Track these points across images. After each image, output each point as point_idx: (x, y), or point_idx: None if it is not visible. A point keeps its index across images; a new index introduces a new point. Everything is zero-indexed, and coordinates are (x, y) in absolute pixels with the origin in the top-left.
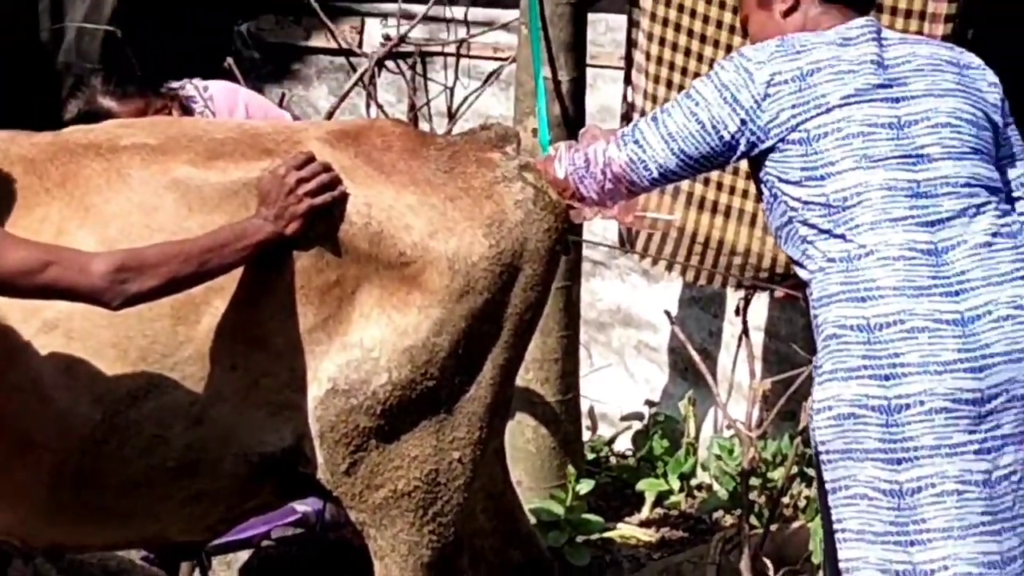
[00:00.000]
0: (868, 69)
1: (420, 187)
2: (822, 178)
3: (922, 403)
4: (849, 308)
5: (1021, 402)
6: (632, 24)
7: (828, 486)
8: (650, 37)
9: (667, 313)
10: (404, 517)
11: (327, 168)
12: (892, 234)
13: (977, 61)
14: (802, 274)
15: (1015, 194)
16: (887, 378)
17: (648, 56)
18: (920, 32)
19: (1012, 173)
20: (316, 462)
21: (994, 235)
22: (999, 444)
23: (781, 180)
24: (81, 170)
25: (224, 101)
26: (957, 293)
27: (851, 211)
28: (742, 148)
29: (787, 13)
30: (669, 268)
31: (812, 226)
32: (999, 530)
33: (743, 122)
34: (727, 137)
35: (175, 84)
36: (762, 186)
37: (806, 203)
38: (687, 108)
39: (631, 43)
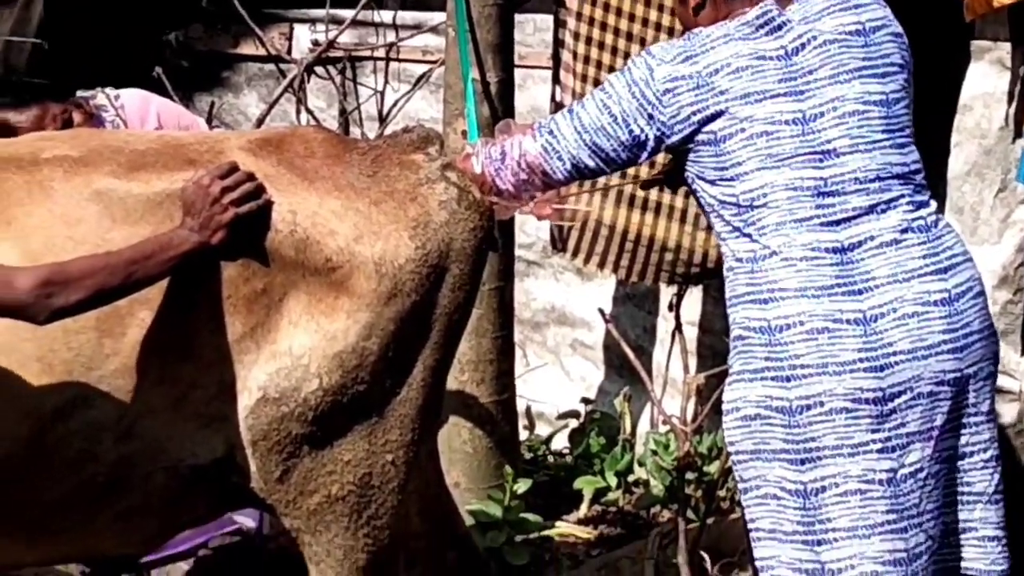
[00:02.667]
0: (769, 64)
1: (344, 192)
2: (732, 179)
3: (822, 404)
4: (753, 309)
5: (928, 399)
6: (559, 24)
7: (740, 486)
8: (577, 36)
9: (601, 311)
10: (339, 522)
11: (251, 177)
12: (796, 235)
13: (880, 15)
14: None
15: None
16: (788, 379)
17: (575, 55)
18: None
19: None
20: (248, 472)
21: (903, 231)
22: (904, 442)
23: (699, 178)
24: (2, 184)
25: (136, 109)
26: (860, 292)
27: (758, 211)
28: (651, 144)
29: (697, 8)
30: (601, 266)
31: (726, 222)
32: (905, 528)
33: (650, 117)
34: (636, 131)
35: (86, 93)
36: (688, 181)
37: (721, 202)
38: (600, 101)
39: (558, 43)
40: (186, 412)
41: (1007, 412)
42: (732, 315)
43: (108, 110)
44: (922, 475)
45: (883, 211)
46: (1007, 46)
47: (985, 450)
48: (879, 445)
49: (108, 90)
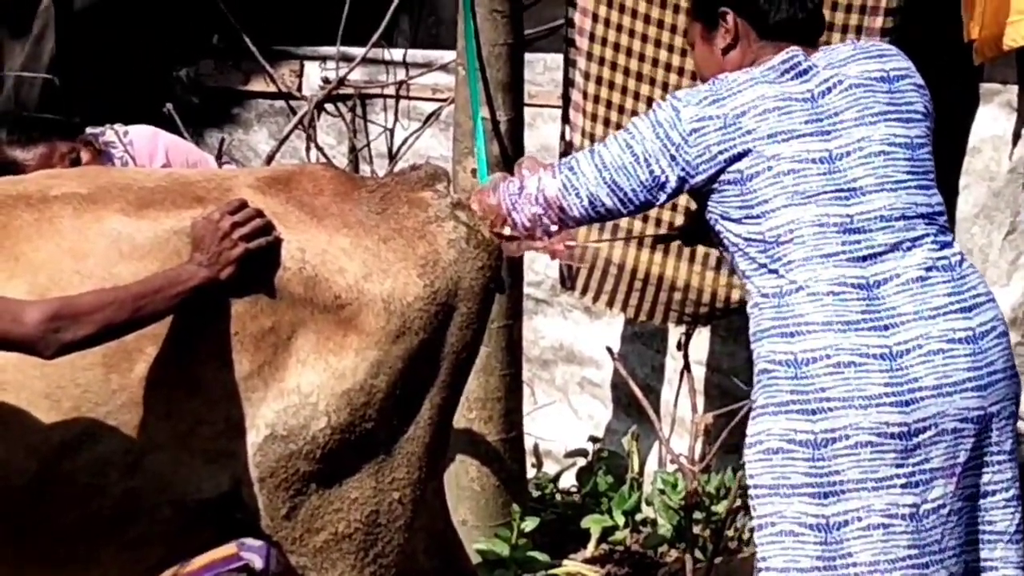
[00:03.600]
0: (796, 106)
1: (353, 230)
2: (759, 216)
3: (847, 437)
4: (779, 343)
5: (951, 436)
6: (569, 63)
7: (756, 522)
8: (587, 76)
9: (609, 349)
10: (345, 559)
11: (260, 213)
12: (823, 270)
13: (904, 65)
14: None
15: None
16: (814, 412)
17: (585, 95)
18: (860, 26)
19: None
20: (255, 508)
21: (928, 269)
22: (928, 478)
23: (723, 218)
24: (11, 221)
25: (144, 146)
26: (887, 327)
27: (784, 247)
28: (672, 184)
29: (726, 50)
30: (610, 304)
31: (751, 260)
32: (926, 563)
33: (673, 158)
34: (657, 172)
35: (95, 130)
36: (710, 223)
37: (747, 240)
38: (623, 141)
39: (568, 82)
40: (192, 448)
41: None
42: (757, 349)
43: (117, 147)
44: (944, 511)
45: (908, 249)
46: (1015, 89)
47: (1007, 489)
48: (903, 480)
49: (117, 126)
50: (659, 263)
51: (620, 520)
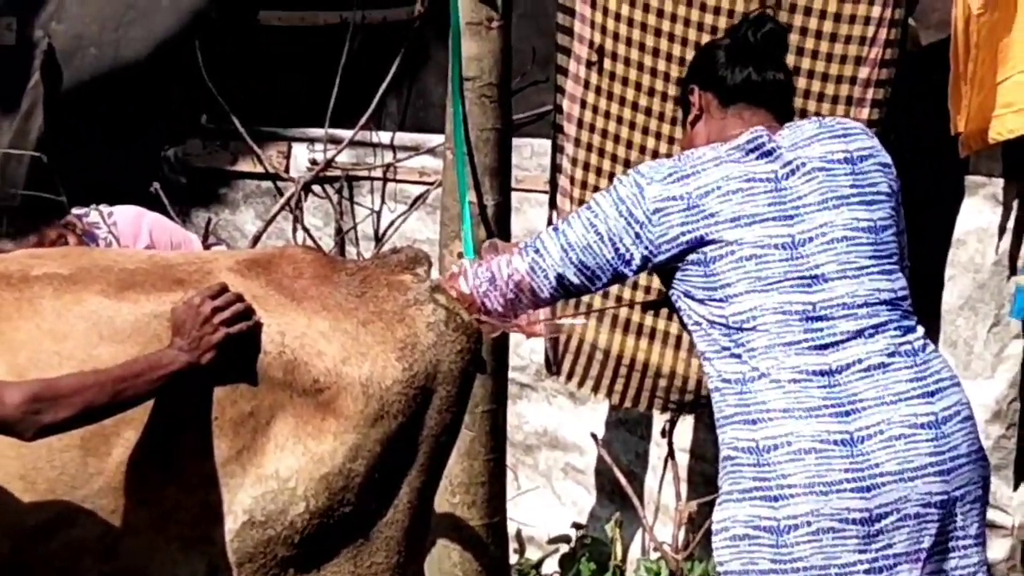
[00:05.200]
0: (759, 188)
1: (332, 313)
2: (722, 300)
3: (809, 523)
4: (742, 430)
5: (914, 520)
6: (557, 149)
7: None
8: (574, 161)
9: (593, 435)
10: None
11: (241, 298)
12: (785, 358)
13: (868, 144)
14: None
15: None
16: (776, 499)
17: (573, 180)
18: (846, 116)
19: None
20: None
21: (891, 355)
22: (891, 563)
23: (686, 296)
24: None
25: (128, 227)
26: (848, 413)
27: (747, 334)
28: (637, 262)
29: (694, 122)
30: (595, 390)
31: (714, 342)
32: None
33: (637, 236)
34: (622, 250)
35: (80, 211)
36: (672, 298)
37: (710, 322)
38: (586, 219)
39: (556, 167)
40: (169, 533)
41: (999, 547)
42: (721, 435)
43: (101, 227)
44: None
45: (871, 335)
46: (1001, 182)
47: (975, 574)
48: (866, 566)
49: (102, 207)
50: (644, 349)
51: None
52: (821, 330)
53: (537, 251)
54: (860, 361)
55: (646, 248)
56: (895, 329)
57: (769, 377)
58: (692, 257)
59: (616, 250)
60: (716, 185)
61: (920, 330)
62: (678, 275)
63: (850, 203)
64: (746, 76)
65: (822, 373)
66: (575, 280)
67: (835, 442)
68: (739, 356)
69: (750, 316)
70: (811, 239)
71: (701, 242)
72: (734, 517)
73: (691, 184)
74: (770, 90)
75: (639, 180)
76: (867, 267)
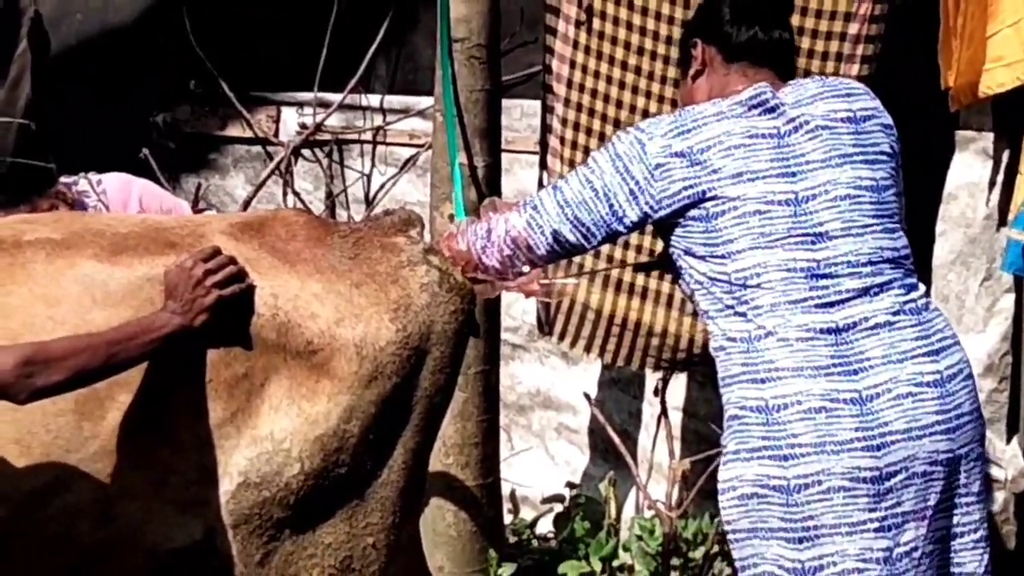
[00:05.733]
0: (762, 144)
1: (325, 275)
2: (723, 256)
3: (820, 483)
4: (749, 389)
5: (921, 479)
6: (547, 109)
7: (737, 564)
8: (564, 122)
9: (586, 395)
10: None
11: (234, 260)
12: (792, 316)
13: (871, 105)
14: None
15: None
16: (786, 459)
17: (563, 140)
18: (836, 74)
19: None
20: (228, 556)
21: (896, 313)
22: (899, 521)
23: (687, 254)
24: None
25: (117, 193)
26: (856, 372)
27: (752, 291)
28: (632, 219)
29: (695, 76)
30: (588, 350)
31: (716, 300)
32: None
33: (632, 193)
34: (616, 207)
35: (69, 179)
36: (672, 256)
37: (712, 279)
38: (583, 176)
39: (546, 128)
40: (165, 496)
41: (994, 500)
42: (727, 395)
43: (90, 196)
44: (916, 554)
45: (876, 294)
46: (991, 136)
47: (976, 530)
48: (876, 524)
49: (91, 175)
50: (636, 308)
51: (597, 566)
52: (827, 288)
53: (535, 207)
54: (867, 319)
55: (646, 204)
56: (899, 287)
57: (776, 335)
58: (693, 213)
59: (611, 207)
60: (718, 140)
61: (922, 288)
62: (678, 231)
63: (853, 162)
64: (752, 35)
65: (829, 331)
66: (571, 237)
67: (844, 401)
68: (744, 315)
69: (754, 273)
70: (814, 196)
71: (703, 197)
72: (741, 476)
73: (692, 139)
74: (775, 49)
75: (640, 136)
76: (870, 226)
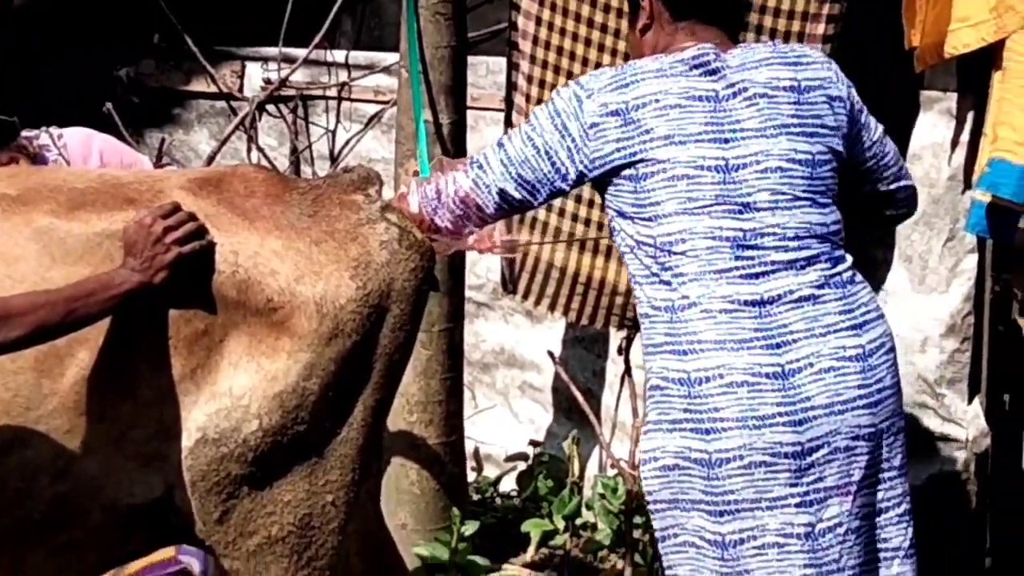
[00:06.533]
0: (698, 106)
1: (285, 232)
2: (650, 219)
3: (741, 457)
4: (672, 360)
5: (844, 454)
6: (512, 67)
7: (658, 534)
8: (530, 79)
9: (550, 353)
10: (279, 563)
11: (193, 217)
12: (716, 286)
13: (821, 75)
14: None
15: (877, 175)
16: (707, 432)
17: (528, 98)
18: (802, 32)
19: (872, 158)
20: (188, 512)
21: (820, 287)
22: (822, 496)
23: (619, 215)
24: None
25: (78, 148)
26: (779, 346)
27: (677, 258)
28: (572, 177)
29: (643, 31)
30: (552, 308)
31: (642, 265)
32: None
33: (569, 151)
34: (558, 164)
35: (29, 133)
36: (608, 217)
37: (638, 242)
38: (525, 133)
39: (511, 85)
40: (125, 452)
41: (954, 461)
42: (649, 363)
43: (51, 150)
44: (841, 530)
45: (802, 267)
46: (955, 96)
47: (899, 504)
48: (797, 499)
49: (52, 129)
50: (601, 267)
51: (560, 524)
52: (752, 259)
53: (480, 167)
54: (791, 292)
55: (581, 163)
56: (826, 261)
57: (700, 306)
58: (625, 173)
59: (552, 164)
60: (654, 98)
61: (849, 260)
62: (611, 191)
63: (790, 133)
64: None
65: (753, 303)
66: (516, 195)
67: (767, 375)
68: (668, 283)
69: (679, 239)
70: (745, 165)
71: (633, 159)
72: (663, 447)
73: (628, 94)
74: (725, 7)
75: (578, 92)
76: (800, 199)
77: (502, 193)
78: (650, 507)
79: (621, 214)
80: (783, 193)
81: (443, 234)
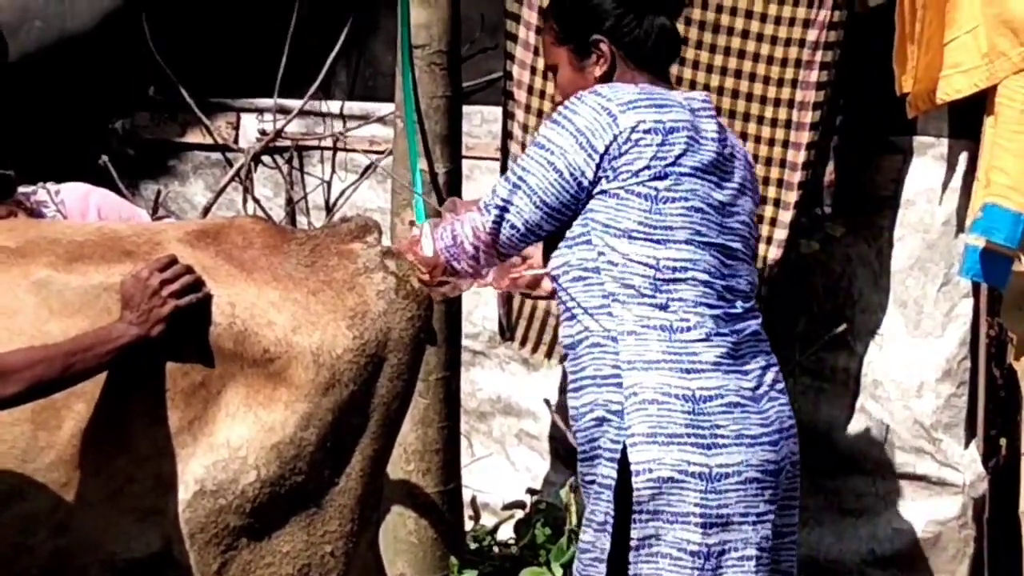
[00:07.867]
0: (710, 146)
1: (282, 282)
2: (659, 242)
3: (739, 473)
4: (673, 377)
5: (789, 475)
6: (508, 115)
7: (633, 543)
8: (525, 128)
9: (547, 401)
10: None
11: (190, 270)
12: (707, 319)
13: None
14: (590, 324)
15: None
16: (710, 447)
17: (523, 147)
18: (795, 79)
19: None
20: (186, 565)
21: (757, 333)
22: (780, 512)
23: (607, 228)
24: None
25: (75, 204)
26: (747, 373)
27: (677, 285)
28: (591, 189)
29: (603, 78)
30: (549, 355)
31: (629, 286)
32: None
33: (599, 166)
34: (585, 183)
35: (27, 189)
36: (574, 223)
37: (632, 260)
38: (542, 159)
39: (507, 134)
40: (122, 506)
41: (951, 505)
42: (636, 377)
43: (49, 205)
44: (768, 545)
45: (752, 317)
46: (948, 142)
47: (793, 532)
48: (773, 516)
49: (49, 185)
50: None
51: (559, 573)
52: (731, 301)
53: (498, 206)
54: (747, 331)
55: (603, 172)
56: (757, 310)
57: (697, 331)
58: (640, 191)
59: (579, 184)
60: (684, 126)
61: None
62: (610, 202)
63: (746, 192)
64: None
65: (730, 334)
66: (542, 224)
67: (749, 398)
68: (664, 305)
69: (683, 266)
70: (732, 214)
71: (659, 178)
72: (660, 460)
73: (664, 115)
74: (669, 63)
75: (607, 106)
76: (750, 257)
77: (528, 224)
78: (633, 516)
79: (612, 228)
80: (747, 248)
81: (460, 276)
